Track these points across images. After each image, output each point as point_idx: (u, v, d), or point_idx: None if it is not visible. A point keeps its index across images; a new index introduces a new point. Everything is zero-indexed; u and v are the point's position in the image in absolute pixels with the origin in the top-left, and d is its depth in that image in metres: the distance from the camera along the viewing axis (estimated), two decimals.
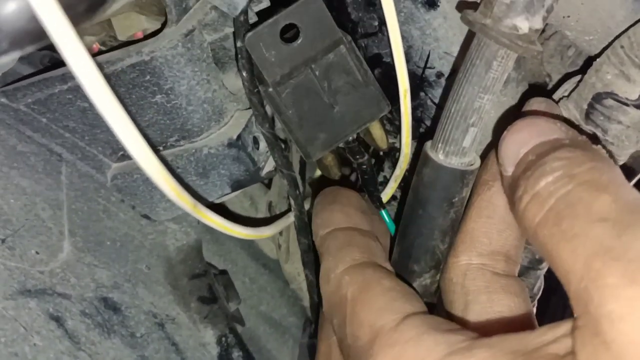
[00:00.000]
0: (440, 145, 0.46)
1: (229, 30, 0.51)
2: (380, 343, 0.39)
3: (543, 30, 0.55)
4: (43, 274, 0.46)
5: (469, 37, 0.49)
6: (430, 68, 0.53)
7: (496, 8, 0.42)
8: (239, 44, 0.48)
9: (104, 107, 0.33)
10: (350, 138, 0.53)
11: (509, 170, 0.40)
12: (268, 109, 0.52)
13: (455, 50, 0.51)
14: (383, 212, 0.56)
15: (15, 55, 0.27)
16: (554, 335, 0.32)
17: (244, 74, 0.49)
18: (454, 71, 0.52)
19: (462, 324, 0.45)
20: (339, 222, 0.52)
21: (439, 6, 0.49)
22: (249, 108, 0.55)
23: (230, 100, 0.54)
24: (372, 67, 0.55)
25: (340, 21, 0.55)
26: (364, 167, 0.56)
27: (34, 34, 0.26)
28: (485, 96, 0.43)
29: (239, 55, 0.49)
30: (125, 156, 0.55)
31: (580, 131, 0.46)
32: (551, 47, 0.57)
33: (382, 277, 0.44)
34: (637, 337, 0.28)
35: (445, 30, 0.51)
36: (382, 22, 0.50)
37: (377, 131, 0.56)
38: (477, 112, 0.44)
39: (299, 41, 0.48)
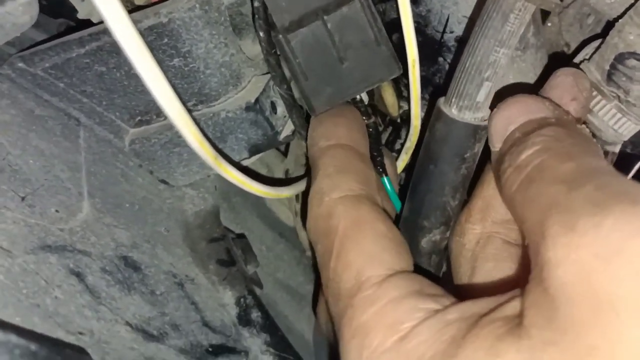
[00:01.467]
0: (454, 99, 0.46)
1: None
2: (362, 296, 0.39)
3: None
4: (63, 232, 0.46)
5: None
6: (449, 32, 0.52)
7: None
8: (256, 3, 0.48)
9: (136, 56, 0.33)
10: (358, 97, 0.53)
11: (497, 146, 0.42)
12: (286, 70, 0.52)
13: (475, 13, 0.51)
14: (385, 179, 0.56)
15: None
16: (507, 297, 0.35)
17: (261, 34, 0.49)
18: None
19: (468, 289, 0.47)
20: (341, 137, 0.50)
21: None
22: (267, 73, 0.55)
23: (247, 65, 0.54)
24: (390, 33, 0.55)
25: None
26: (370, 129, 0.55)
27: None
28: (501, 50, 0.43)
29: (256, 15, 0.49)
30: (143, 121, 0.55)
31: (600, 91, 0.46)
32: (570, 15, 0.57)
33: (376, 218, 0.44)
34: (569, 279, 0.29)
35: None
36: None
37: (389, 97, 0.55)
38: (492, 66, 0.44)
39: None
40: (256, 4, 0.48)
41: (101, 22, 0.51)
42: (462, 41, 0.53)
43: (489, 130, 0.42)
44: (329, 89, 0.50)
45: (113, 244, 0.50)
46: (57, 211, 0.47)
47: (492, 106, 0.44)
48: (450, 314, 0.36)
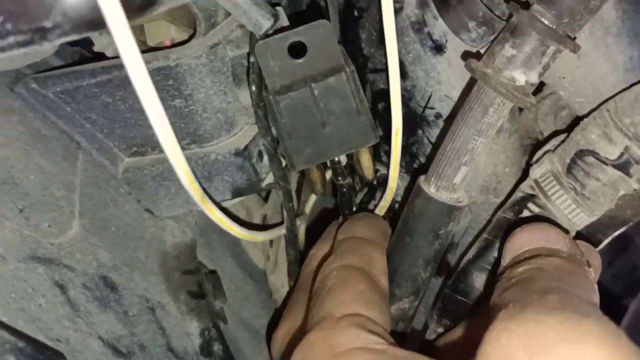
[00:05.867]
0: (433, 179, 0.49)
1: None
2: (319, 325, 0.43)
3: (541, 90, 0.59)
4: (53, 246, 0.49)
5: (470, 85, 0.53)
6: (430, 108, 0.56)
7: (497, 60, 0.46)
8: (252, 59, 0.52)
9: (142, 89, 0.36)
10: (336, 159, 0.57)
11: (506, 261, 0.44)
12: (272, 126, 0.56)
13: (455, 94, 0.55)
14: None
15: (74, 38, 0.31)
16: None
17: (253, 87, 0.53)
18: (452, 115, 0.55)
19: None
20: (356, 232, 0.54)
21: (445, 52, 0.53)
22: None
23: (242, 113, 0.57)
24: (376, 101, 0.59)
25: (353, 54, 0.58)
26: (344, 189, 0.59)
27: (93, 22, 0.30)
28: (479, 139, 0.47)
29: (251, 70, 0.53)
30: (139, 152, 0.58)
31: None
32: (546, 106, 0.60)
33: (361, 281, 0.47)
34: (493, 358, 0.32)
35: (448, 75, 0.54)
36: None
37: (365, 161, 0.59)
38: (470, 152, 0.48)
39: (304, 58, 0.51)
40: (252, 59, 0.52)
41: (114, 56, 0.55)
42: (441, 117, 0.56)
43: (505, 246, 0.45)
44: (309, 150, 0.53)
45: (95, 263, 0.52)
46: (49, 226, 0.50)
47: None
48: (386, 352, 0.38)
